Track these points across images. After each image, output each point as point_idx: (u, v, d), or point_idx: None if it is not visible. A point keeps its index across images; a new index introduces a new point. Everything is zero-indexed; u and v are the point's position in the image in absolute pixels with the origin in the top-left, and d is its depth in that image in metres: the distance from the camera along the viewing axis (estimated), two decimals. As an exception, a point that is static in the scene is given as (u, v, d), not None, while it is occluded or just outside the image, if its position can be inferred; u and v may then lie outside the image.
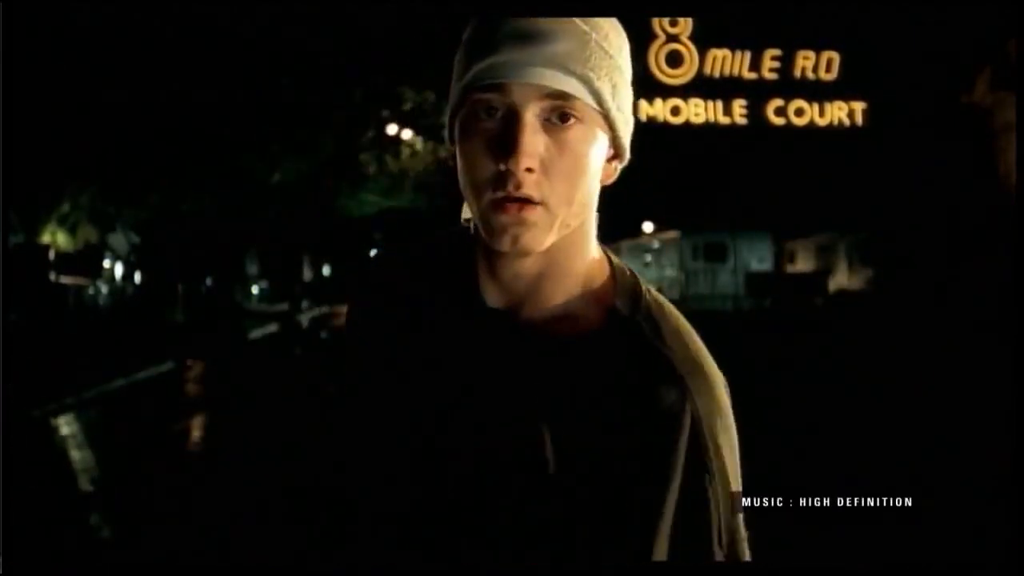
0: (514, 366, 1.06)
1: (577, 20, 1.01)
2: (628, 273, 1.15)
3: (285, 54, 24.58)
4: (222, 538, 5.81)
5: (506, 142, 0.99)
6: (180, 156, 24.66)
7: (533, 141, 0.99)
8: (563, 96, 1.00)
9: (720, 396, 1.15)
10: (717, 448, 1.12)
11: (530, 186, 1.00)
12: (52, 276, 20.28)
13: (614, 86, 1.05)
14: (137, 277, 27.62)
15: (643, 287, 1.16)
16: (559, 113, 1.01)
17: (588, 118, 1.03)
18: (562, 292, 1.09)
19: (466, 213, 1.13)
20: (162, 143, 23.52)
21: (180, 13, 20.18)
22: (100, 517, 6.41)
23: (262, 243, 45.74)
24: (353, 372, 1.19)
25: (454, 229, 1.19)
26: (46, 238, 24.01)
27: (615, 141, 1.09)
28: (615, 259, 1.16)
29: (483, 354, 1.08)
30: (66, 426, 10.13)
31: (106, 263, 28.23)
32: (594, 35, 1.03)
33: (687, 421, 1.08)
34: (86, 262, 24.76)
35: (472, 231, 1.12)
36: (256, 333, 24.92)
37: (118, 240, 27.99)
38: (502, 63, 0.99)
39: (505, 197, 1.00)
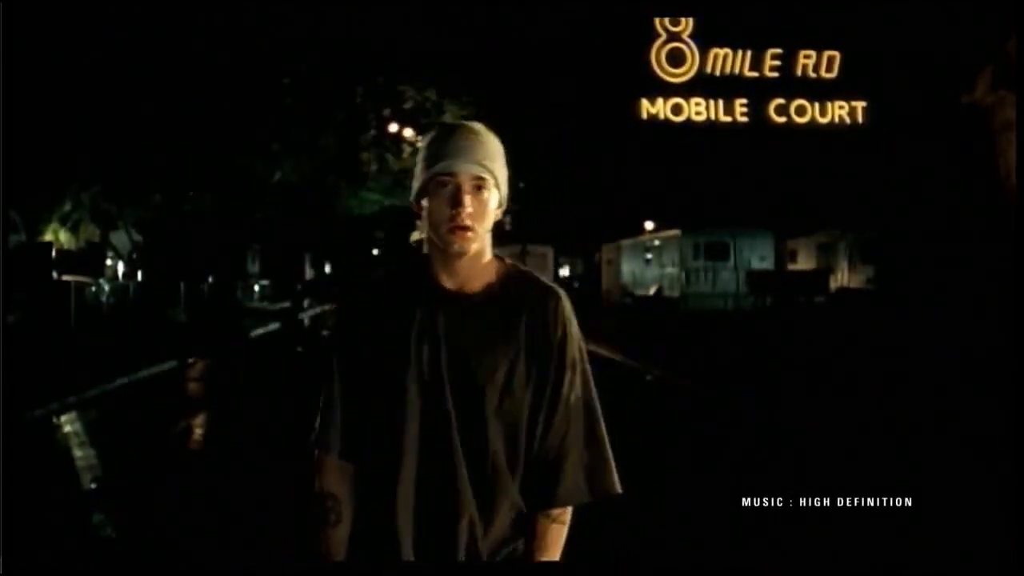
0: (469, 316, 2.03)
1: (484, 141, 2.00)
2: (508, 259, 2.13)
3: (286, 53, 24.59)
4: (223, 537, 5.83)
5: (457, 200, 1.96)
6: (181, 155, 24.68)
7: (468, 199, 1.97)
8: (481, 178, 1.98)
9: (567, 299, 2.10)
10: (571, 321, 2.09)
11: (467, 220, 1.96)
12: (54, 275, 20.29)
13: (501, 172, 2.02)
14: (139, 276, 27.62)
15: (515, 264, 2.13)
16: (478, 185, 1.98)
17: (490, 187, 2.00)
18: (482, 274, 2.06)
19: (415, 237, 2.14)
20: (163, 142, 23.53)
21: (182, 12, 20.20)
22: (103, 516, 6.43)
23: (264, 242, 45.78)
24: (350, 351, 2.09)
25: (405, 257, 2.16)
26: (48, 237, 24.03)
27: (500, 198, 2.04)
28: (500, 255, 2.13)
29: (453, 314, 2.02)
30: (69, 424, 10.16)
31: (108, 262, 28.25)
32: (491, 147, 2.01)
33: (560, 308, 2.07)
34: (88, 261, 24.76)
35: (425, 250, 2.07)
36: (258, 331, 24.95)
37: (120, 239, 28.00)
38: (453, 162, 1.96)
39: (456, 226, 1.97)
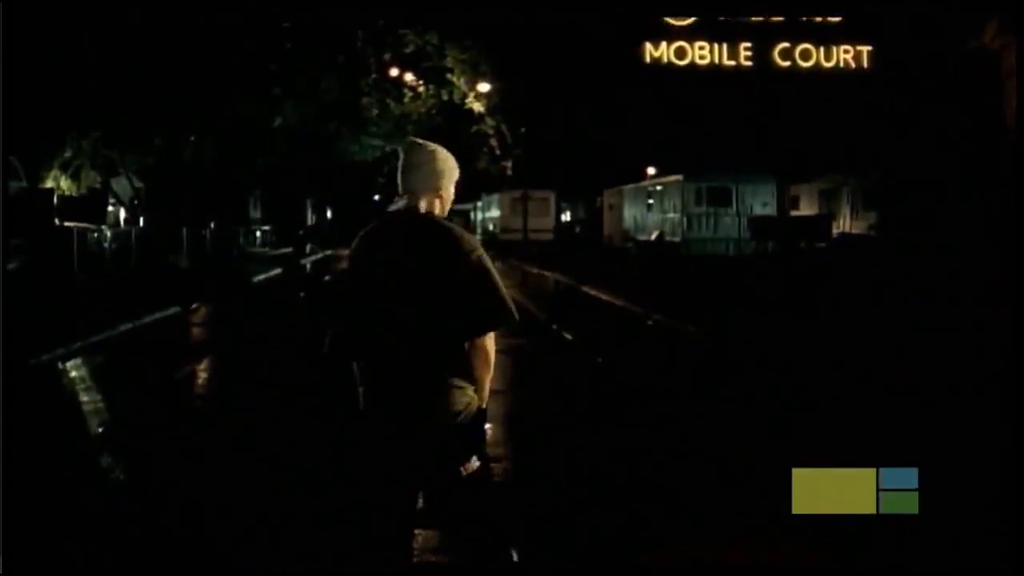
0: None
1: None
2: None
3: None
4: (227, 480, 5.92)
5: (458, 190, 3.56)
6: (181, 100, 24.48)
7: None
8: None
9: None
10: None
11: None
12: (57, 221, 20.27)
13: None
14: (141, 222, 27.58)
15: None
16: None
17: None
18: None
19: (394, 208, 3.32)
20: (163, 87, 23.33)
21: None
22: (111, 459, 6.53)
23: (265, 187, 45.63)
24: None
25: (391, 212, 3.34)
26: (49, 183, 23.92)
27: None
28: None
29: None
30: (75, 370, 10.25)
31: (110, 208, 28.16)
32: None
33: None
34: (90, 207, 24.67)
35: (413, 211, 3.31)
36: (260, 277, 25.01)
37: (121, 185, 27.88)
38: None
39: None
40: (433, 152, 3.31)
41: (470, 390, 3.17)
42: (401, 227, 3.22)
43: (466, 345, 3.17)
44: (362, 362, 3.24)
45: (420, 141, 3.40)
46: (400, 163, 3.34)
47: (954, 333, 11.22)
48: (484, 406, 3.22)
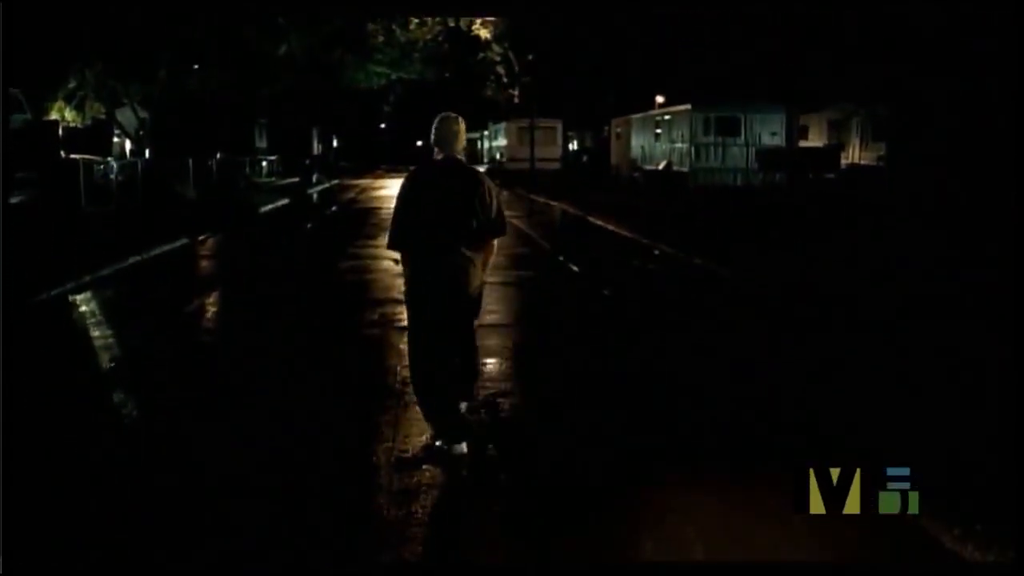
0: None
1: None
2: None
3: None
4: (233, 409, 6.01)
5: None
6: (186, 30, 24.22)
7: None
8: None
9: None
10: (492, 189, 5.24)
11: None
12: (63, 153, 20.22)
13: None
14: (147, 153, 27.49)
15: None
16: None
17: None
18: None
19: (437, 157, 5.19)
20: (167, 17, 23.06)
21: None
22: (123, 394, 6.63)
23: (271, 117, 45.33)
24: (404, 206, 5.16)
25: (436, 160, 5.21)
26: (54, 115, 23.81)
27: None
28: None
29: None
30: (84, 304, 10.33)
31: (115, 140, 28.05)
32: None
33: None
34: (96, 139, 24.57)
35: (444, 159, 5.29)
36: (267, 207, 25.00)
37: (126, 116, 27.73)
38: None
39: None
40: (459, 120, 5.16)
41: (479, 270, 5.09)
42: (445, 170, 5.06)
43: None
44: (414, 252, 4.99)
45: (452, 114, 5.17)
46: (436, 130, 5.11)
47: (960, 292, 11.19)
48: (484, 281, 5.27)
